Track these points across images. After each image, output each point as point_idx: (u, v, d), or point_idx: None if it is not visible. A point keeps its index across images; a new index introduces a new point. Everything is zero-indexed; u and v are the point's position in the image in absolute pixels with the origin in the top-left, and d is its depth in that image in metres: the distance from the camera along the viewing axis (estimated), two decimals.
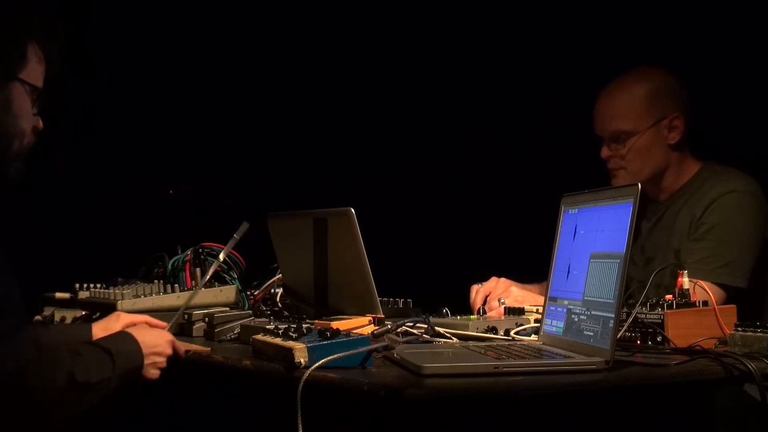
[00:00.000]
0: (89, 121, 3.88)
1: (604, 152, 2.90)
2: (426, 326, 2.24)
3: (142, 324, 2.23)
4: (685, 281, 2.14)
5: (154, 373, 2.10)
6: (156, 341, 2.11)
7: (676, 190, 2.88)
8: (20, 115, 2.02)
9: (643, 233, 2.90)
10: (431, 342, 2.17)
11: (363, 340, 1.85)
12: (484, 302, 2.69)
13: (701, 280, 2.57)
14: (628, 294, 2.19)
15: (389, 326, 2.16)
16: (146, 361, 2.06)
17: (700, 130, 2.90)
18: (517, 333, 2.28)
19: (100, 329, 2.32)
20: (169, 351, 2.13)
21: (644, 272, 2.73)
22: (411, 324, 2.25)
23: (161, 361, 2.11)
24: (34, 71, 2.05)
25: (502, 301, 2.58)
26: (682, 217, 2.82)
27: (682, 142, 2.87)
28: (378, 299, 2.39)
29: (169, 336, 2.17)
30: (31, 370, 1.75)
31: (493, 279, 2.73)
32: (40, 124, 2.10)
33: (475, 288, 2.74)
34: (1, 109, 1.99)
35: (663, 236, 2.86)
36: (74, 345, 1.89)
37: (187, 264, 2.77)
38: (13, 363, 1.73)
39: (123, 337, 2.06)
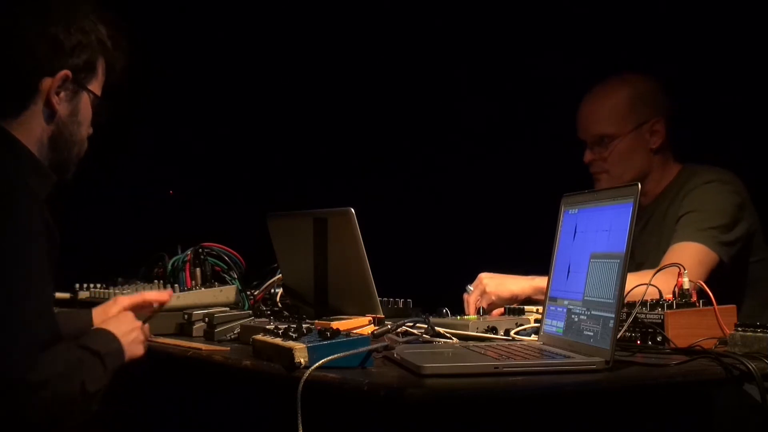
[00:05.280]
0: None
1: (587, 156, 2.96)
2: (426, 326, 2.24)
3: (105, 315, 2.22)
4: (685, 281, 2.14)
5: (138, 348, 2.10)
6: (125, 323, 2.11)
7: (659, 193, 2.93)
8: (83, 124, 2.11)
9: None
10: (431, 342, 2.17)
11: (363, 340, 1.85)
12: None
13: (686, 241, 2.64)
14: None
15: (389, 326, 2.16)
16: (125, 344, 2.05)
17: (682, 134, 2.95)
18: (517, 333, 2.28)
19: (99, 314, 2.33)
20: (137, 323, 2.14)
21: None
22: (411, 324, 2.25)
23: (137, 335, 2.11)
24: (99, 82, 2.13)
25: (470, 289, 2.69)
26: (669, 218, 2.85)
27: (663, 147, 2.92)
28: (378, 299, 2.39)
29: (130, 314, 2.18)
30: (53, 384, 1.75)
31: (480, 277, 2.74)
32: (91, 131, 2.16)
33: (466, 295, 2.75)
34: (70, 117, 2.07)
35: (653, 240, 2.88)
36: (74, 351, 1.89)
37: (187, 264, 2.77)
38: (33, 377, 1.72)
39: (106, 337, 2.05)
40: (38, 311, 1.80)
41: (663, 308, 2.06)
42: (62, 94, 2.04)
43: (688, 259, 2.49)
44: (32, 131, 2.03)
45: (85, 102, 2.09)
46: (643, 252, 2.88)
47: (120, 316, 2.17)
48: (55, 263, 1.93)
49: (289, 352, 1.78)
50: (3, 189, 1.84)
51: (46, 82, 2.02)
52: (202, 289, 2.71)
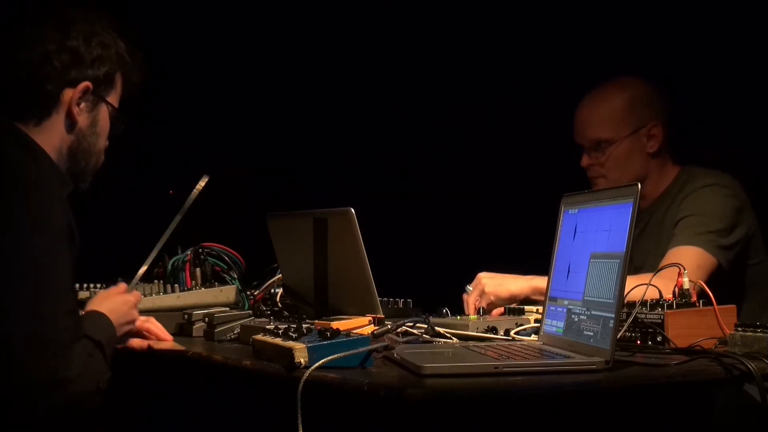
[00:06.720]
0: None
1: (585, 160, 2.97)
2: (426, 326, 2.24)
3: (105, 295, 2.26)
4: (685, 281, 2.14)
5: (128, 341, 2.23)
6: (122, 309, 2.19)
7: (658, 197, 2.93)
8: (101, 135, 2.19)
9: None
10: (431, 342, 2.17)
11: (363, 340, 1.85)
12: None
13: (684, 244, 2.65)
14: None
15: (389, 326, 2.16)
16: (119, 333, 2.15)
17: (680, 136, 2.96)
18: (517, 333, 2.28)
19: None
20: (135, 315, 2.24)
21: None
22: (411, 324, 2.25)
23: (130, 327, 2.23)
24: (117, 95, 2.21)
25: (469, 289, 2.70)
26: (668, 221, 2.85)
27: (661, 150, 2.92)
28: (378, 299, 2.39)
29: (131, 299, 2.25)
30: (78, 381, 1.80)
31: (479, 277, 2.73)
32: (107, 144, 2.23)
33: (465, 296, 2.75)
34: (90, 128, 2.14)
35: (651, 243, 2.88)
36: (86, 346, 1.92)
37: (187, 264, 2.77)
38: (64, 373, 1.78)
39: (101, 322, 2.09)
40: (68, 309, 1.85)
41: (663, 308, 2.06)
42: (83, 105, 2.10)
43: (687, 263, 2.48)
44: (52, 139, 2.08)
45: (103, 114, 2.16)
46: (642, 255, 2.88)
47: (119, 302, 2.21)
48: (76, 263, 1.97)
49: (289, 352, 1.78)
50: (31, 190, 1.89)
51: (68, 93, 2.07)
52: (202, 289, 2.71)
